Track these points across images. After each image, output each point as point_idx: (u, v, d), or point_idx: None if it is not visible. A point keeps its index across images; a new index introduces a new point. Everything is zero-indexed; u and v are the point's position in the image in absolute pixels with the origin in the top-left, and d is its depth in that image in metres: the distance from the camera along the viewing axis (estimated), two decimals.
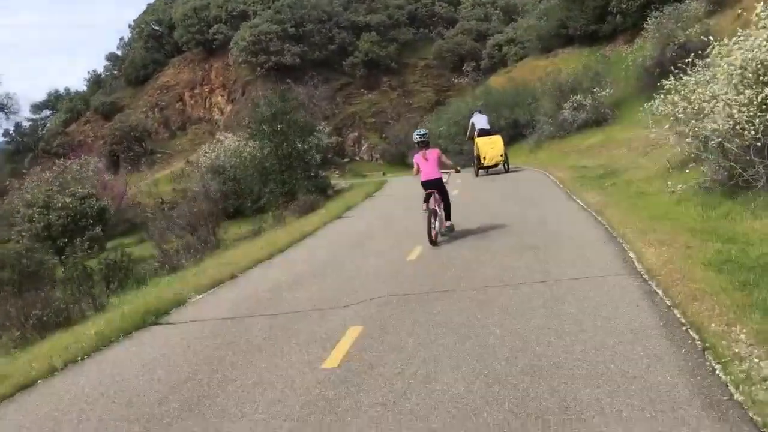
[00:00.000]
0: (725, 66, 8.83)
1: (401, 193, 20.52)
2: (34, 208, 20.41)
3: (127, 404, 4.95)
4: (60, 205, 19.65)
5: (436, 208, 9.59)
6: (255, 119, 22.57)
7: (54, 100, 68.12)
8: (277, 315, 6.82)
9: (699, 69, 10.80)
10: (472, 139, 21.42)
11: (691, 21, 24.30)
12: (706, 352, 4.30)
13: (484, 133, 20.86)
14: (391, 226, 12.84)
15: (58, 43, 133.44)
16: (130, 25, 69.68)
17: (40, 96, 76.68)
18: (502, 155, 20.41)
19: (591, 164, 18.33)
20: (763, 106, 8.15)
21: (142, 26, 66.13)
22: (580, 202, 11.95)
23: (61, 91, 68.16)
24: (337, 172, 38.56)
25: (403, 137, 44.00)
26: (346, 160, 47.04)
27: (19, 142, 62.27)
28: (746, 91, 8.29)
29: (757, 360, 3.93)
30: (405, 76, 55.21)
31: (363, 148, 50.31)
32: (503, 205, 13.00)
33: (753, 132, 8.12)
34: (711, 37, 9.41)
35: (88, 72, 76.50)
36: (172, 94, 59.67)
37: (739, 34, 8.94)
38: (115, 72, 67.00)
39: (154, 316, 7.46)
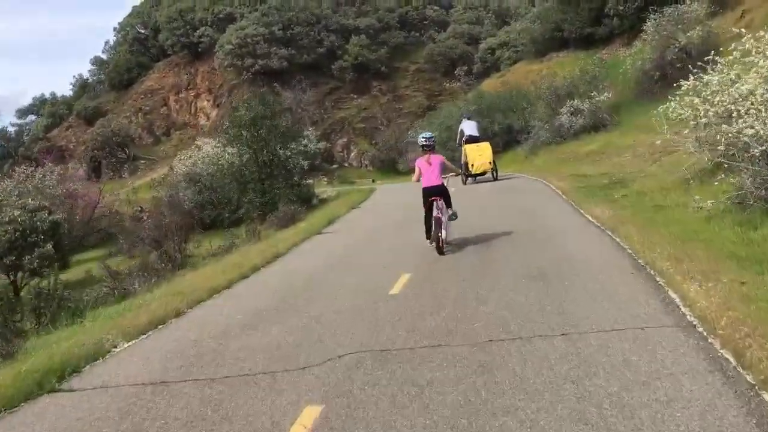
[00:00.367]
0: (763, 62, 7.58)
1: (390, 204, 19.24)
2: None
3: None
4: (8, 219, 17.65)
5: (441, 216, 9.16)
6: (233, 124, 21.14)
7: (39, 105, 66.55)
8: (215, 381, 5.17)
9: (723, 66, 9.59)
10: (461, 145, 20.49)
11: (692, 23, 23.31)
12: None
13: (472, 140, 20.25)
14: (376, 245, 11.43)
15: (47, 45, 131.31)
16: (114, 29, 68.29)
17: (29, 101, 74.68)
18: (490, 162, 19.89)
19: (593, 172, 17.28)
20: None
21: (127, 29, 64.67)
22: (589, 217, 10.65)
23: (48, 96, 66.71)
24: (325, 179, 37.40)
25: (393, 143, 42.82)
26: (334, 166, 45.66)
27: (4, 148, 60.61)
28: None
29: None
30: (395, 80, 53.93)
31: (352, 154, 48.98)
32: (501, 219, 11.66)
33: None
34: (743, 29, 8.15)
35: (74, 76, 74.70)
36: (157, 99, 58.21)
37: None
38: (101, 76, 65.33)
39: (57, 378, 5.65)
